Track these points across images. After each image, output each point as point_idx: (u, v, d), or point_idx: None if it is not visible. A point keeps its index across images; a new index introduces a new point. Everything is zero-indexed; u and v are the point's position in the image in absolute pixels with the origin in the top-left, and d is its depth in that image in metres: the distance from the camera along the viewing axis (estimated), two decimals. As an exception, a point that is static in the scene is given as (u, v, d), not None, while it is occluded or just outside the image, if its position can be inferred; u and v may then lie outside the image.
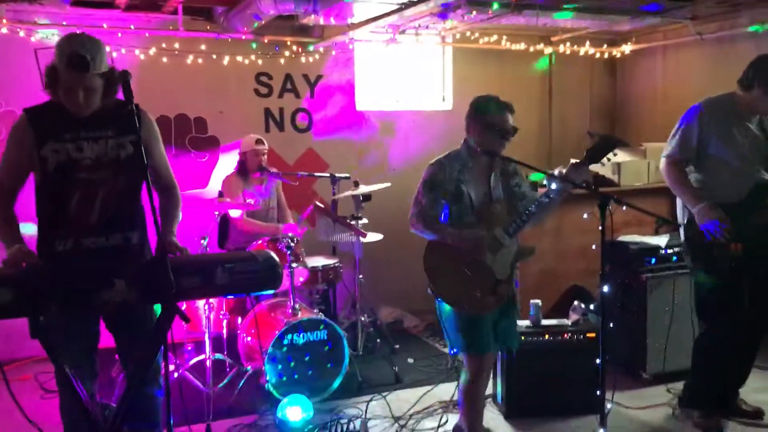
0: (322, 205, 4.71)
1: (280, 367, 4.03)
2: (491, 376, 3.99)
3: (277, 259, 2.35)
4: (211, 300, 4.12)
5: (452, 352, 3.47)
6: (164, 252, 2.20)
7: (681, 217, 3.65)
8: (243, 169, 4.86)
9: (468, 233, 3.13)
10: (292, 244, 4.16)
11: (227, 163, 5.47)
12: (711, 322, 3.60)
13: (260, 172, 4.80)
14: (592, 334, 3.85)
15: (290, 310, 4.18)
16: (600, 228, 2.87)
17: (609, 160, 3.15)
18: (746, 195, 3.46)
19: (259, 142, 4.84)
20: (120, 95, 2.58)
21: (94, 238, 2.67)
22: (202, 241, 4.28)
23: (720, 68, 5.56)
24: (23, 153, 2.61)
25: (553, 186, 3.11)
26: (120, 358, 2.96)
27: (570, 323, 3.98)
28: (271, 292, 2.50)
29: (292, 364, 4.06)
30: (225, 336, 4.48)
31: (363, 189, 4.83)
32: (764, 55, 3.45)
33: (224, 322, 4.39)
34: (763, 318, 3.57)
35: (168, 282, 2.09)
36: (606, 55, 6.65)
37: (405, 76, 6.24)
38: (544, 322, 3.96)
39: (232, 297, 4.25)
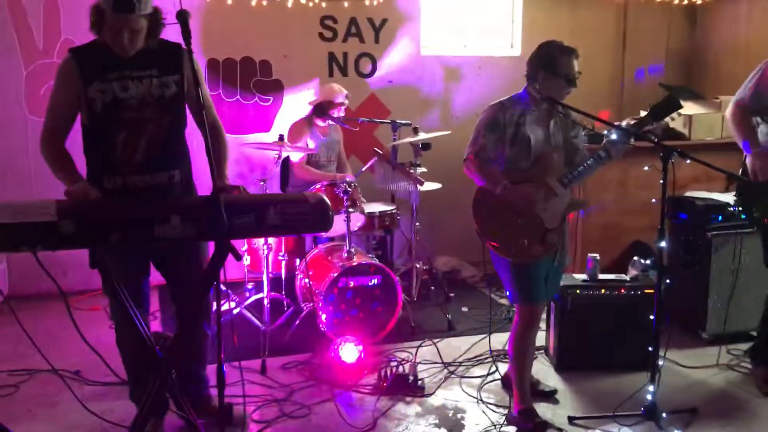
0: (381, 152, 4.71)
1: (333, 308, 4.13)
2: (545, 327, 4.01)
3: (328, 202, 2.39)
4: (269, 241, 4.23)
5: (510, 300, 3.49)
6: (218, 190, 2.27)
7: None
8: (314, 115, 4.89)
9: (521, 190, 3.10)
10: (350, 189, 4.20)
11: (291, 107, 5.52)
12: None
13: (327, 118, 4.84)
14: (650, 290, 3.77)
15: (346, 254, 4.25)
16: (662, 182, 2.79)
17: (673, 119, 3.04)
18: None
19: (347, 96, 4.90)
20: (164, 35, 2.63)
21: (140, 176, 2.76)
22: (262, 183, 4.37)
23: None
24: (71, 94, 2.67)
25: (614, 137, 3.02)
26: (171, 296, 3.06)
27: (629, 278, 3.92)
28: (322, 234, 2.56)
29: (346, 306, 4.15)
30: (284, 276, 4.61)
31: (422, 136, 4.80)
32: None
33: (283, 263, 4.51)
34: None
35: (221, 220, 2.16)
36: (686, 1, 6.30)
37: (472, 21, 6.10)
38: (602, 276, 3.91)
39: (285, 237, 4.35)
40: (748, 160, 3.44)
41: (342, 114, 4.91)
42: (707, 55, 6.46)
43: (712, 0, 6.22)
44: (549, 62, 3.10)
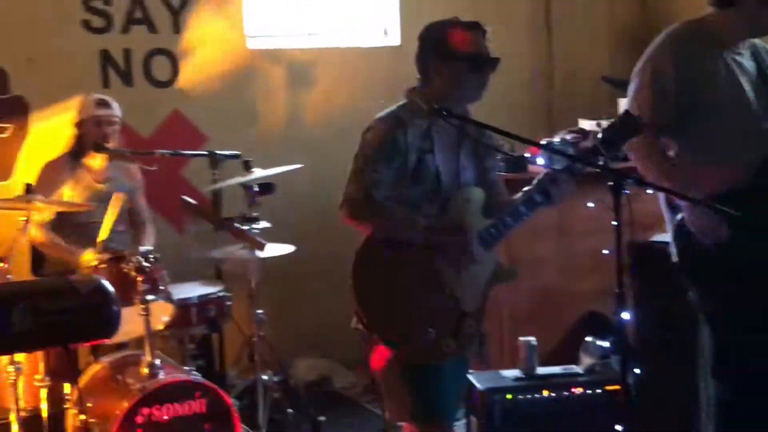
0: (194, 202, 4.68)
1: (132, 460, 3.99)
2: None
3: (109, 288, 2.33)
4: (18, 358, 4.05)
5: (393, 419, 3.57)
6: None
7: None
8: (77, 149, 4.85)
9: (450, 227, 3.19)
10: (147, 264, 4.13)
11: (43, 139, 5.41)
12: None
13: (100, 151, 4.76)
14: (614, 387, 3.91)
15: (146, 370, 4.15)
16: (615, 223, 2.91)
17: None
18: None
19: (101, 104, 4.83)
20: None
21: None
22: (1, 265, 4.21)
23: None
24: None
25: (541, 161, 3.16)
26: None
27: (582, 371, 4.06)
28: (104, 341, 2.49)
29: (151, 453, 4.04)
30: (47, 413, 4.41)
31: (259, 173, 4.82)
32: None
33: (43, 392, 4.32)
34: None
35: None
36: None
37: (325, 2, 6.25)
38: (542, 370, 4.04)
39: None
40: (685, 214, 3.57)
41: (115, 137, 4.82)
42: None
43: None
44: (439, 43, 3.23)
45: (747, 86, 3.60)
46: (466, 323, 3.23)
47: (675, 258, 3.73)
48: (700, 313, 3.71)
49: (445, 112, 3.15)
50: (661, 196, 3.71)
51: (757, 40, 3.72)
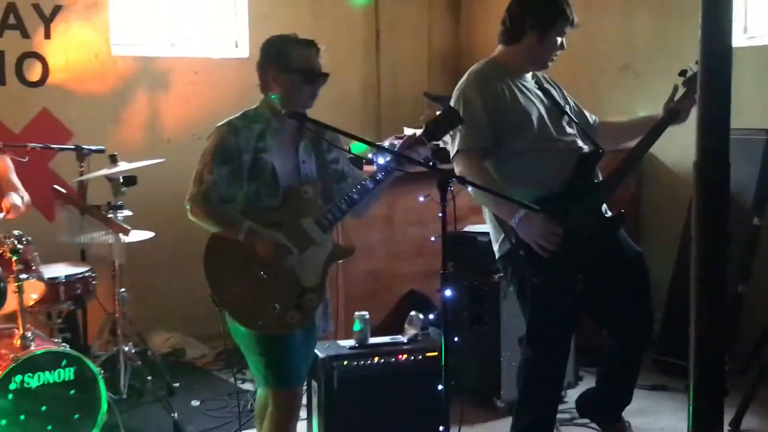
0: (63, 191, 4.57)
1: (4, 422, 3.87)
2: (306, 414, 4.09)
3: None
4: None
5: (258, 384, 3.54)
6: None
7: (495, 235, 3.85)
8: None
9: (269, 236, 3.20)
10: (20, 246, 4.01)
11: None
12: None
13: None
14: (434, 353, 4.03)
15: (18, 341, 4.01)
16: (441, 215, 3.02)
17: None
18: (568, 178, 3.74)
19: None
20: None
21: None
22: None
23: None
24: None
25: (381, 161, 3.23)
26: None
27: (406, 340, 4.15)
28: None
29: (23, 417, 3.92)
30: None
31: (124, 166, 4.72)
32: None
33: None
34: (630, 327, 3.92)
35: None
36: (447, -9, 6.97)
37: (183, 12, 6.17)
38: (373, 340, 4.11)
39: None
40: (515, 222, 3.61)
41: None
42: (474, 56, 7.10)
43: (476, -11, 6.93)
44: (278, 55, 3.26)
45: (540, 106, 3.79)
46: (307, 297, 3.25)
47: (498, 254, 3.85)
48: (519, 297, 3.86)
49: (298, 115, 3.20)
50: (489, 218, 3.82)
51: (538, 72, 3.93)
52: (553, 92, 3.92)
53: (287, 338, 3.26)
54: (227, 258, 3.22)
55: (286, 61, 3.25)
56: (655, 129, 3.76)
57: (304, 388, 3.76)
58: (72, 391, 4.04)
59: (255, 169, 3.23)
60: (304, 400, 4.16)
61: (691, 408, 2.27)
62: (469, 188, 3.55)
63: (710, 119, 2.23)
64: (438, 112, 3.35)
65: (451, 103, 3.75)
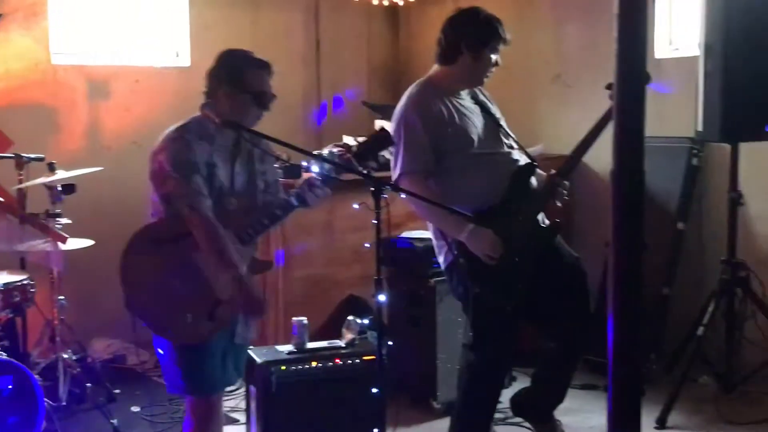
0: (2, 199, 4.55)
1: (-58, 432, 3.82)
2: (246, 419, 4.13)
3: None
4: None
5: (171, 391, 3.54)
6: None
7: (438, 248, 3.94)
8: None
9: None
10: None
11: None
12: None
13: None
14: (371, 357, 4.09)
15: (-44, 350, 3.97)
16: (374, 222, 3.10)
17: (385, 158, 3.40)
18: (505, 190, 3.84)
19: None
20: None
21: None
22: None
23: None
24: None
25: (315, 169, 3.28)
26: None
27: (344, 344, 4.21)
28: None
29: (-40, 425, 3.87)
30: None
31: (62, 174, 4.71)
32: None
33: None
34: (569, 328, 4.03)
35: None
36: (386, 2, 7.03)
37: (123, 21, 6.14)
38: (311, 344, 4.15)
39: None
40: (464, 237, 3.73)
41: None
42: (413, 66, 7.21)
43: (415, 1, 7.01)
44: (232, 75, 3.27)
45: (477, 122, 3.89)
46: (221, 308, 3.24)
47: (444, 265, 3.94)
48: (463, 305, 3.95)
49: (234, 124, 3.24)
50: (432, 231, 3.93)
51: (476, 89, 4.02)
52: (489, 105, 4.03)
53: (201, 347, 3.27)
54: (144, 264, 3.24)
55: (240, 83, 3.25)
56: (579, 148, 3.92)
57: (241, 393, 3.76)
58: (11, 400, 4.01)
59: (210, 184, 3.23)
60: (243, 405, 4.24)
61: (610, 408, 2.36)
62: (413, 205, 3.62)
63: (626, 130, 2.33)
64: (365, 138, 3.39)
65: (392, 127, 3.83)
